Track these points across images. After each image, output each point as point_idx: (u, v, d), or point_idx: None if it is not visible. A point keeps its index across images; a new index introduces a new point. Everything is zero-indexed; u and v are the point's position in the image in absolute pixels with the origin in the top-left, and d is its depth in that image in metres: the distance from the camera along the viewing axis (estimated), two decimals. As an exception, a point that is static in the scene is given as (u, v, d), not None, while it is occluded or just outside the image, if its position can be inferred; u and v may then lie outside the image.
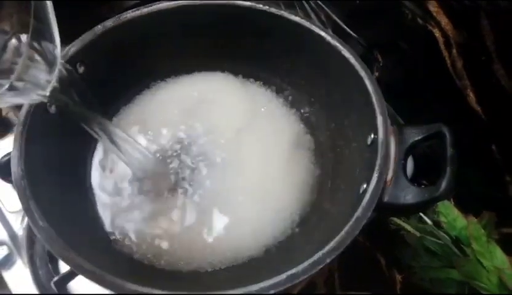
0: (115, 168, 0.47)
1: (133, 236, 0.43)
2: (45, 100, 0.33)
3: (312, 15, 0.67)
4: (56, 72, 0.33)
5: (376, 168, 0.37)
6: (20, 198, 0.36)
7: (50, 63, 0.32)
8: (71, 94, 0.35)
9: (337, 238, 0.34)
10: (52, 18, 0.31)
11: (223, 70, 0.54)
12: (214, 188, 0.46)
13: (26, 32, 0.29)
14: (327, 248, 0.33)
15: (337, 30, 0.64)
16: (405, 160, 0.39)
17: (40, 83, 0.32)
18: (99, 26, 0.45)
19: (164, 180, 0.46)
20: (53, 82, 0.33)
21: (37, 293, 0.47)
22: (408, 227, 0.50)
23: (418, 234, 0.50)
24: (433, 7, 0.52)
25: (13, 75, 0.29)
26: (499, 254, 0.45)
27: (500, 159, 0.50)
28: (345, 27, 0.64)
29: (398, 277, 0.50)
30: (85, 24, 0.45)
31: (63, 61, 0.34)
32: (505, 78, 0.47)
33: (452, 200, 0.51)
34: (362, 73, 0.42)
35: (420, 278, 0.49)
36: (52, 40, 0.31)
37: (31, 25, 0.29)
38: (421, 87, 0.58)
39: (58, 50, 0.32)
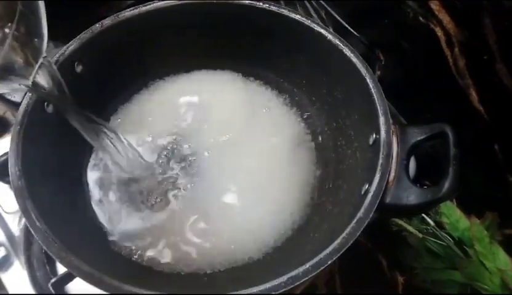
0: (112, 169, 0.46)
1: (131, 238, 0.43)
2: (27, 90, 0.33)
3: (313, 14, 0.66)
4: (38, 65, 0.32)
5: (378, 168, 0.37)
6: (17, 199, 0.35)
7: (34, 55, 0.31)
8: (56, 92, 0.35)
9: (339, 240, 0.33)
10: (41, 11, 0.31)
11: (222, 70, 0.54)
12: (213, 188, 0.45)
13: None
14: (328, 250, 0.33)
15: (338, 29, 0.64)
16: (408, 160, 0.38)
17: (22, 73, 0.31)
18: (97, 25, 0.44)
19: (162, 180, 0.46)
20: (35, 74, 0.32)
21: (34, 294, 0.47)
22: (410, 228, 0.50)
23: (420, 235, 0.49)
24: (435, 6, 0.51)
25: None
26: (502, 256, 0.45)
27: (502, 159, 0.50)
28: (346, 25, 0.63)
29: (400, 279, 0.50)
30: (84, 24, 0.45)
31: (49, 59, 0.34)
32: (507, 77, 0.47)
33: (454, 200, 0.51)
34: (364, 72, 0.42)
35: (421, 279, 0.48)
36: (39, 32, 0.31)
37: (17, 13, 0.28)
38: (423, 86, 0.57)
39: (43, 43, 0.32)
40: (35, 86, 0.33)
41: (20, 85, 0.32)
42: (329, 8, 0.65)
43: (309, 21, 0.45)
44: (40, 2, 0.31)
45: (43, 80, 0.33)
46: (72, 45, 0.43)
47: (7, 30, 0.29)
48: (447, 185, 0.35)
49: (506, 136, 0.49)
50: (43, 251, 0.48)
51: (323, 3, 0.66)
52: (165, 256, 0.42)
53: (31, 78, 0.32)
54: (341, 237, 0.34)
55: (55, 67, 0.35)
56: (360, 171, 0.41)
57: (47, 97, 0.35)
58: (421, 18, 0.53)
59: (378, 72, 0.61)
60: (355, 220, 0.34)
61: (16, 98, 0.56)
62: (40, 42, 0.32)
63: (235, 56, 0.52)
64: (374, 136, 0.40)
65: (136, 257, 0.42)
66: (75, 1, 0.55)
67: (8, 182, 0.37)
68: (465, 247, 0.47)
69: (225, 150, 0.48)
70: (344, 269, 0.50)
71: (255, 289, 0.32)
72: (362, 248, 0.51)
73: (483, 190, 0.52)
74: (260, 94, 0.53)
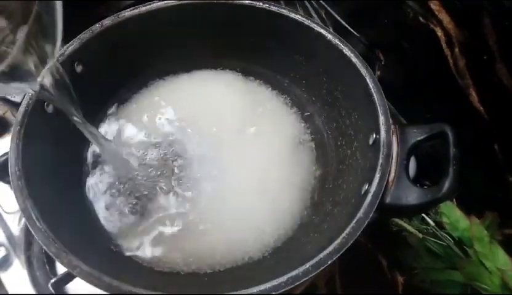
0: (111, 169, 0.46)
1: (131, 238, 0.43)
2: (33, 93, 0.33)
3: (313, 14, 0.66)
4: (47, 67, 0.32)
5: (378, 168, 0.37)
6: (17, 199, 0.35)
7: (44, 57, 0.31)
8: (60, 94, 0.35)
9: (339, 240, 0.33)
10: (58, 13, 0.30)
11: (222, 69, 0.54)
12: (213, 189, 0.45)
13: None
14: (328, 250, 0.33)
15: (338, 29, 0.64)
16: (408, 160, 0.38)
17: (30, 75, 0.31)
18: (97, 25, 0.44)
19: (161, 180, 0.46)
20: (43, 76, 0.32)
21: (34, 294, 0.47)
22: (410, 228, 0.50)
23: (420, 235, 0.49)
24: (435, 6, 0.51)
25: (4, 62, 0.28)
26: (501, 255, 0.45)
27: (502, 159, 0.50)
28: (346, 25, 0.63)
29: (400, 279, 0.50)
30: (84, 24, 0.45)
31: (56, 62, 0.34)
32: (507, 77, 0.47)
33: (454, 200, 0.51)
34: (364, 72, 0.42)
35: (421, 279, 0.48)
36: (52, 35, 0.31)
37: (33, 14, 0.28)
38: (423, 86, 0.57)
39: (56, 46, 0.32)
40: (42, 89, 0.33)
41: (28, 87, 0.32)
42: (329, 8, 0.65)
43: (309, 21, 0.46)
44: (58, 3, 0.30)
45: (48, 82, 0.33)
46: (72, 45, 0.43)
47: (19, 31, 0.29)
48: (447, 185, 0.35)
49: (506, 136, 0.49)
50: (43, 251, 0.48)
51: (323, 3, 0.66)
52: (164, 256, 0.42)
53: (39, 80, 0.32)
54: (341, 237, 0.34)
55: (62, 69, 0.34)
56: (360, 171, 0.41)
57: (50, 99, 0.35)
58: (421, 18, 0.53)
59: (378, 72, 0.61)
60: (355, 220, 0.34)
61: (16, 98, 0.56)
62: (53, 45, 0.31)
63: (235, 56, 0.52)
64: (374, 136, 0.40)
65: (136, 257, 0.42)
66: (75, 1, 0.55)
67: (8, 182, 0.37)
68: (465, 247, 0.47)
69: (225, 150, 0.48)
70: (344, 269, 0.50)
71: (255, 289, 0.32)
72: (362, 248, 0.51)
73: (483, 190, 0.52)
74: (260, 94, 0.53)
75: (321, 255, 0.33)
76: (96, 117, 0.49)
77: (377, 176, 0.36)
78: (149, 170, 0.46)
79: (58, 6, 0.31)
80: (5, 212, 0.52)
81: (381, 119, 0.39)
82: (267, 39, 0.49)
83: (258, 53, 0.51)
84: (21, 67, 0.30)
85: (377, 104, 0.40)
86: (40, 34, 0.30)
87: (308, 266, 0.32)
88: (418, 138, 0.39)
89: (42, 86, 0.33)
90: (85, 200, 0.45)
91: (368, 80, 0.41)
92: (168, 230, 0.43)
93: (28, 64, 0.30)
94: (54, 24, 0.31)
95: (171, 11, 0.47)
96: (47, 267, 0.48)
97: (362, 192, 0.37)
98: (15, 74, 0.30)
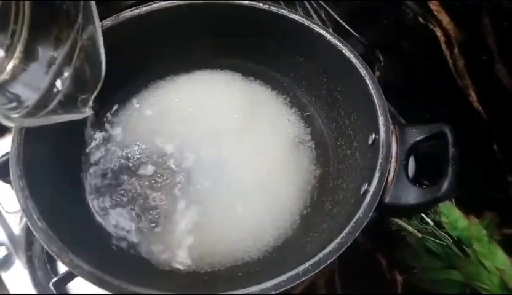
0: (110, 169, 0.46)
1: (131, 237, 0.43)
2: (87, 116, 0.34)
3: (313, 14, 0.67)
4: (97, 90, 0.34)
5: (378, 168, 0.37)
6: (18, 199, 0.36)
7: (93, 83, 0.32)
8: None
9: (338, 239, 0.34)
10: (99, 41, 0.32)
11: (222, 69, 0.54)
12: (213, 188, 0.45)
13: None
14: (328, 249, 0.33)
15: (338, 29, 0.64)
16: (407, 160, 0.38)
17: (83, 103, 0.32)
18: (97, 25, 0.44)
19: (161, 180, 0.46)
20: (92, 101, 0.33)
21: (35, 294, 0.47)
22: (410, 228, 0.50)
23: (419, 235, 0.49)
24: (434, 6, 0.51)
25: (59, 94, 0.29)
26: (500, 255, 0.45)
27: (502, 159, 0.50)
28: (346, 26, 0.63)
29: (399, 278, 0.50)
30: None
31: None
32: (507, 77, 0.47)
33: (453, 200, 0.51)
34: (363, 72, 0.42)
35: (420, 279, 0.48)
36: (98, 60, 0.32)
37: (78, 45, 0.29)
38: (422, 86, 0.58)
39: (102, 70, 0.32)
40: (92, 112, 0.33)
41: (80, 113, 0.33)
42: (329, 9, 0.65)
43: (309, 22, 0.46)
44: (98, 31, 0.32)
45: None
46: (72, 46, 0.43)
47: (54, 54, 0.29)
48: (446, 185, 0.35)
49: (505, 136, 0.49)
50: (44, 251, 0.48)
51: (323, 3, 0.66)
52: (164, 255, 0.42)
53: (90, 103, 0.33)
54: (340, 237, 0.34)
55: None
56: (359, 171, 0.41)
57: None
58: (420, 19, 0.53)
59: (378, 73, 0.61)
60: (354, 220, 0.35)
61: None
62: (99, 69, 0.33)
63: (235, 56, 0.52)
64: (373, 136, 0.40)
65: (136, 256, 0.42)
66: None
67: (9, 182, 0.37)
68: (464, 246, 0.47)
69: (225, 150, 0.48)
70: (343, 269, 0.50)
71: (255, 288, 0.32)
72: (362, 248, 0.52)
73: (482, 190, 0.53)
74: (260, 94, 0.53)
75: (321, 254, 0.33)
76: (95, 117, 0.49)
77: (376, 175, 0.36)
78: (149, 170, 0.47)
79: (99, 36, 0.31)
80: (6, 211, 0.52)
81: (381, 119, 0.39)
82: (267, 39, 0.50)
83: (258, 53, 0.52)
84: (71, 95, 0.30)
85: (376, 105, 0.40)
86: (86, 63, 0.31)
87: (307, 265, 0.32)
88: (418, 138, 0.39)
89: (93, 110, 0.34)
90: (85, 199, 0.45)
91: (367, 81, 0.41)
92: (168, 230, 0.43)
93: (78, 91, 0.31)
94: (98, 51, 0.32)
95: (171, 12, 0.47)
96: (48, 267, 0.48)
97: (362, 192, 0.37)
98: (69, 104, 0.31)
